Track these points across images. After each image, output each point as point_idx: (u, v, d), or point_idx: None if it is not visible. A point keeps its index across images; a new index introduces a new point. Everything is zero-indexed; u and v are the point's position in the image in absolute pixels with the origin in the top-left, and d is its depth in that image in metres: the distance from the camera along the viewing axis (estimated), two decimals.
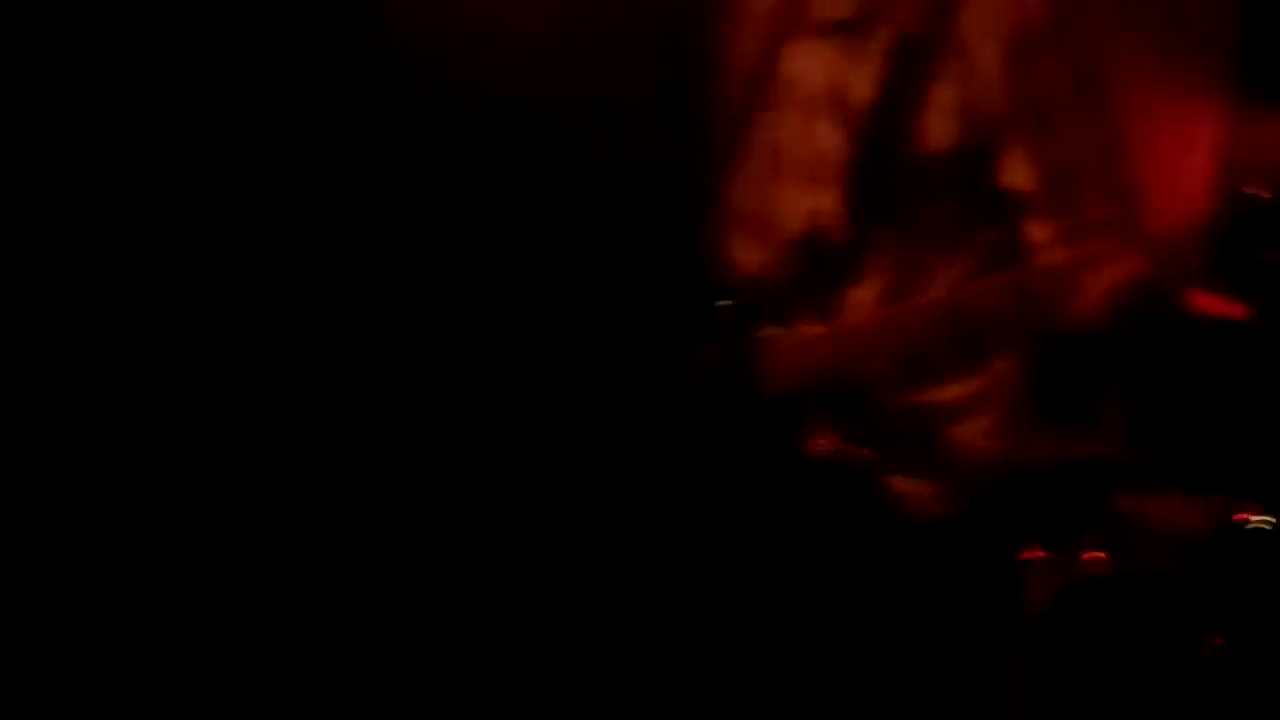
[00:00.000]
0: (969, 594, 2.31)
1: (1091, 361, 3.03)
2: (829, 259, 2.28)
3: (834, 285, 2.29)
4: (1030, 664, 3.10)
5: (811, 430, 2.24)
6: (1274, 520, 3.22)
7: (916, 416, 2.29)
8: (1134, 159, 2.31)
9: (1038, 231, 2.25)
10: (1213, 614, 3.19)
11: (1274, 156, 3.61)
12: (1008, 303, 2.12)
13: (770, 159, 2.35)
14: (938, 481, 2.29)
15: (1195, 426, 3.55)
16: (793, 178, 2.33)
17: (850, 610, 2.30)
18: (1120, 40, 2.32)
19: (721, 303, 2.36)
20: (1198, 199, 3.67)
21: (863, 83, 2.28)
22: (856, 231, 2.27)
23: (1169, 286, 1.99)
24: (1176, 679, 3.13)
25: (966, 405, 2.30)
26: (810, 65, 2.32)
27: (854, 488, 2.25)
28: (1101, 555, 3.42)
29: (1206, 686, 3.08)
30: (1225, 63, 3.86)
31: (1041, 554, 3.13)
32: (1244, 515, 3.26)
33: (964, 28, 2.23)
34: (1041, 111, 2.23)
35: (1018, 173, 2.25)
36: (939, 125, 2.24)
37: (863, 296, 2.28)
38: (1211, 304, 2.45)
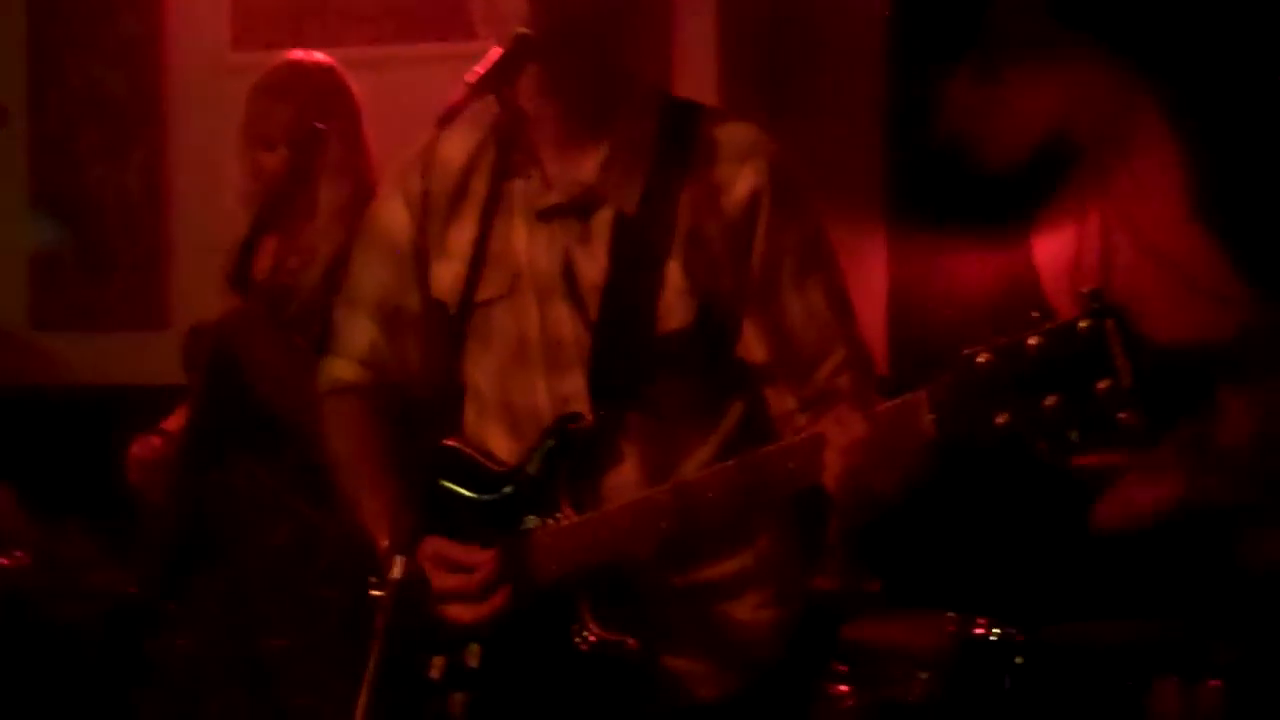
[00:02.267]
0: None
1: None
2: (582, 445, 2.22)
3: (591, 471, 2.22)
4: None
5: (579, 622, 2.16)
6: (1007, 631, 3.28)
7: (688, 597, 2.23)
8: (856, 321, 2.33)
9: (780, 402, 2.24)
10: None
11: (934, 289, 3.78)
12: (761, 477, 2.08)
13: (514, 345, 2.28)
14: (716, 660, 2.23)
15: (919, 549, 3.62)
16: (536, 363, 2.27)
17: None
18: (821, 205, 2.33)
19: (487, 496, 2.27)
20: (879, 344, 3.76)
21: (592, 265, 2.24)
22: (606, 415, 2.21)
23: (898, 450, 1.98)
24: None
25: (738, 582, 2.25)
26: (539, 250, 2.26)
27: (627, 676, 2.17)
28: (845, 688, 3.43)
29: None
30: (880, 202, 4.01)
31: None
32: (979, 630, 3.31)
33: (686, 208, 2.21)
34: (766, 284, 2.21)
35: (753, 345, 2.23)
36: (675, 303, 2.21)
37: (621, 481, 2.22)
38: None
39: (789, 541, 2.33)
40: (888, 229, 4.02)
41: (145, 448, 3.23)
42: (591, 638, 2.16)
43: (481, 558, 2.18)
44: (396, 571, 1.89)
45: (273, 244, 3.15)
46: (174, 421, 3.27)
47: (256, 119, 3.17)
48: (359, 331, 2.43)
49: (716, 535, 2.21)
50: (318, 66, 3.25)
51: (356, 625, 2.36)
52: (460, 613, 2.19)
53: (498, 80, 2.08)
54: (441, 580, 2.19)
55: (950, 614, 3.41)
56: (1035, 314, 1.87)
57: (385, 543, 2.20)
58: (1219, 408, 3.14)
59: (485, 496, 2.29)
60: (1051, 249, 3.70)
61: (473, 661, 2.24)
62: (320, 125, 3.09)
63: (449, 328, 2.11)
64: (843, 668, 3.39)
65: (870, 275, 3.96)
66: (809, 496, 2.17)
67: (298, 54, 3.29)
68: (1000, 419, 1.87)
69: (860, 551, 3.56)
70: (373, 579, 2.23)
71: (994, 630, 3.33)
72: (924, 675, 3.37)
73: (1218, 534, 3.20)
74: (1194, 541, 3.28)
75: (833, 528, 3.54)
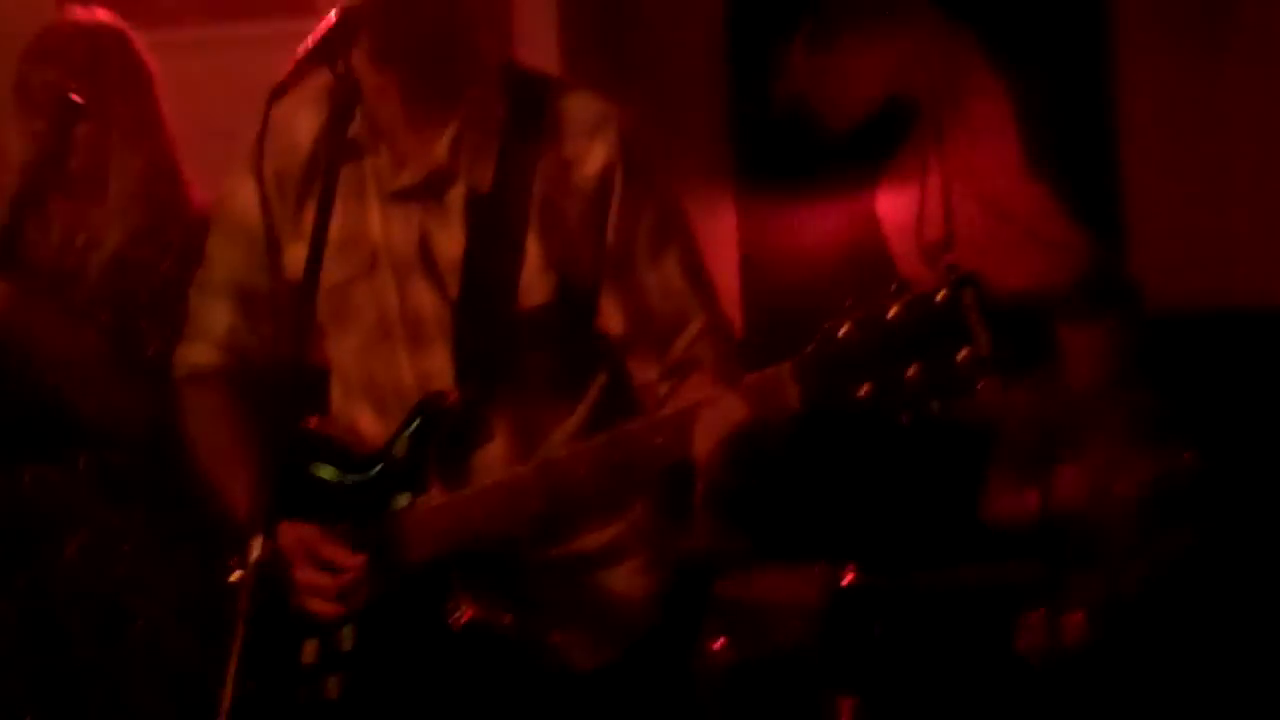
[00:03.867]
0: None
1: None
2: (448, 422, 2.17)
3: (459, 449, 2.18)
4: None
5: (454, 599, 2.12)
6: (875, 579, 3.30)
7: (562, 569, 2.20)
8: (713, 287, 2.30)
9: (642, 372, 2.22)
10: (839, 676, 3.24)
11: (784, 250, 3.81)
12: (629, 452, 2.06)
13: (375, 324, 2.22)
14: (592, 631, 2.21)
15: (787, 504, 3.63)
16: (399, 341, 2.21)
17: None
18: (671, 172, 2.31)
19: (355, 477, 2.21)
20: (733, 307, 3.77)
21: (449, 243, 2.19)
22: (471, 392, 2.17)
23: (769, 420, 1.97)
24: None
25: (611, 553, 2.23)
26: (394, 229, 2.21)
27: (503, 651, 2.14)
28: (723, 642, 3.42)
29: None
30: (726, 171, 4.01)
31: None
32: (849, 579, 3.33)
33: (540, 184, 2.17)
34: (623, 256, 2.19)
35: (612, 318, 2.21)
36: (534, 279, 2.18)
37: (490, 457, 2.19)
38: None
39: (660, 509, 2.31)
40: (736, 192, 4.02)
41: None
42: (465, 615, 2.12)
43: (350, 561, 2.13)
44: (256, 553, 1.83)
45: (59, 222, 2.82)
46: None
47: (23, 83, 2.78)
48: (216, 315, 2.36)
49: (587, 509, 2.19)
50: (96, 29, 2.83)
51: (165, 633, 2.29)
52: (322, 608, 2.14)
53: (328, 52, 2.00)
54: (306, 574, 2.13)
55: (819, 565, 3.42)
56: (894, 285, 1.87)
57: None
58: (1062, 351, 3.19)
59: (354, 477, 2.23)
60: (895, 205, 3.72)
61: (346, 644, 2.19)
62: (76, 97, 2.70)
63: (307, 309, 2.06)
64: (714, 621, 3.38)
65: (721, 239, 3.95)
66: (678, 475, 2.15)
67: (77, 12, 2.86)
68: (863, 390, 1.87)
69: (728, 510, 3.55)
70: (232, 561, 2.16)
71: (863, 578, 3.35)
72: (796, 626, 3.38)
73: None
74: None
75: (699, 492, 3.54)
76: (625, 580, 2.25)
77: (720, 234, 3.95)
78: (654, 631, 2.27)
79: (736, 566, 3.57)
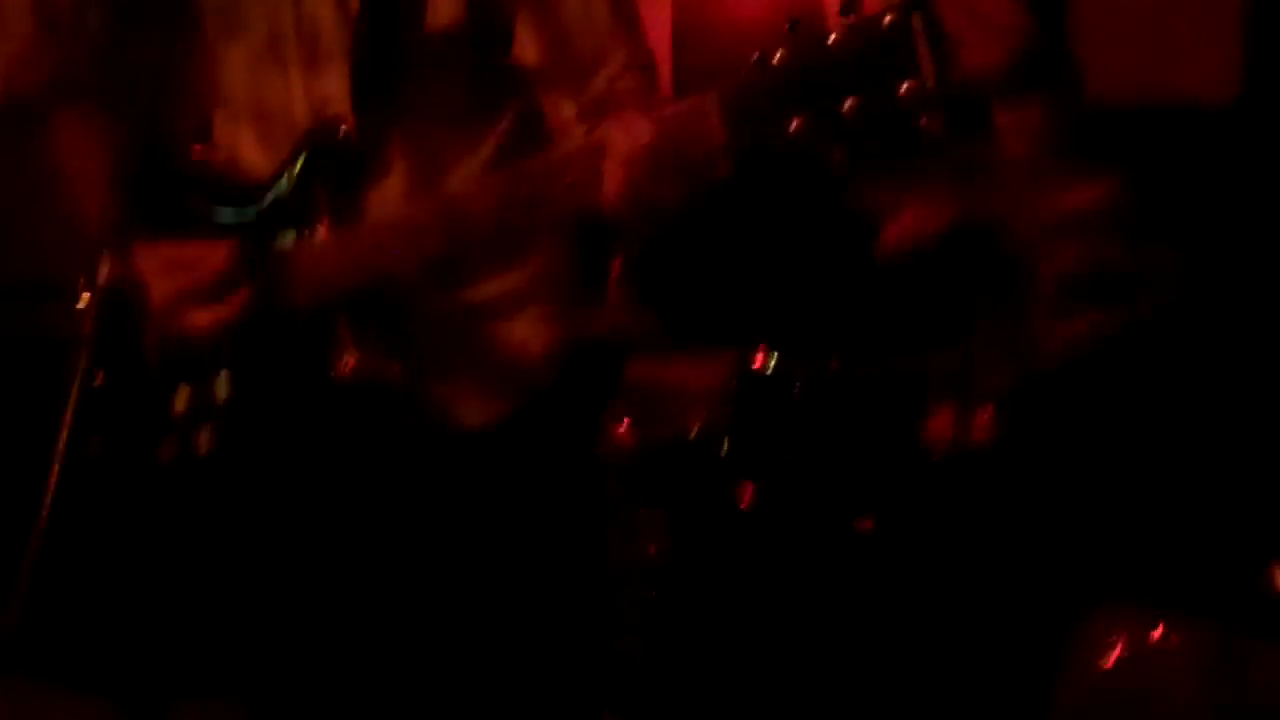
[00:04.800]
0: (546, 489, 2.07)
1: (597, 236, 2.85)
2: (342, 152, 1.95)
3: (351, 183, 1.96)
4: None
5: (339, 346, 1.92)
6: (787, 364, 3.17)
7: (456, 318, 2.01)
8: (639, 26, 2.10)
9: (557, 110, 2.01)
10: (745, 462, 3.13)
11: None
12: (533, 191, 1.84)
13: (265, 39, 1.98)
14: (486, 384, 2.03)
15: (692, 286, 3.50)
16: (291, 60, 1.98)
17: (414, 531, 2.01)
18: None
19: (235, 211, 1.99)
20: (665, 59, 3.54)
21: None
22: (369, 121, 1.95)
23: (690, 157, 1.76)
24: (724, 530, 3.05)
25: (510, 302, 2.04)
26: None
27: (389, 404, 1.95)
28: (628, 424, 3.31)
29: (753, 535, 3.00)
30: None
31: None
32: (759, 364, 3.20)
33: None
34: None
35: (529, 47, 1.99)
36: (445, 2, 1.94)
37: (384, 193, 1.97)
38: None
39: (566, 262, 2.12)
40: None
41: None
42: (350, 364, 1.92)
43: (214, 252, 1.91)
44: (104, 273, 1.60)
45: None
46: None
47: None
48: None
49: (488, 253, 1.98)
50: None
51: None
52: (198, 318, 1.92)
53: None
54: (171, 281, 1.91)
55: (731, 349, 3.28)
56: (841, 4, 1.66)
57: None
58: (994, 128, 3.03)
59: (234, 212, 2.01)
60: None
61: (221, 391, 1.99)
62: None
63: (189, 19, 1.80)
64: (621, 404, 3.24)
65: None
66: (588, 221, 1.95)
67: None
68: (795, 123, 1.66)
69: (641, 289, 3.40)
70: (80, 281, 1.92)
71: (774, 364, 3.21)
72: (703, 411, 3.26)
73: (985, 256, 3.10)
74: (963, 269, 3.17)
75: (615, 264, 3.38)
76: (523, 331, 2.06)
77: None
78: (551, 392, 2.09)
79: (648, 349, 3.44)
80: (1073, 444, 2.92)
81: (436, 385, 2.01)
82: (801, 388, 3.11)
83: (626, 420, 3.28)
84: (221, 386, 1.98)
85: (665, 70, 3.41)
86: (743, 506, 3.05)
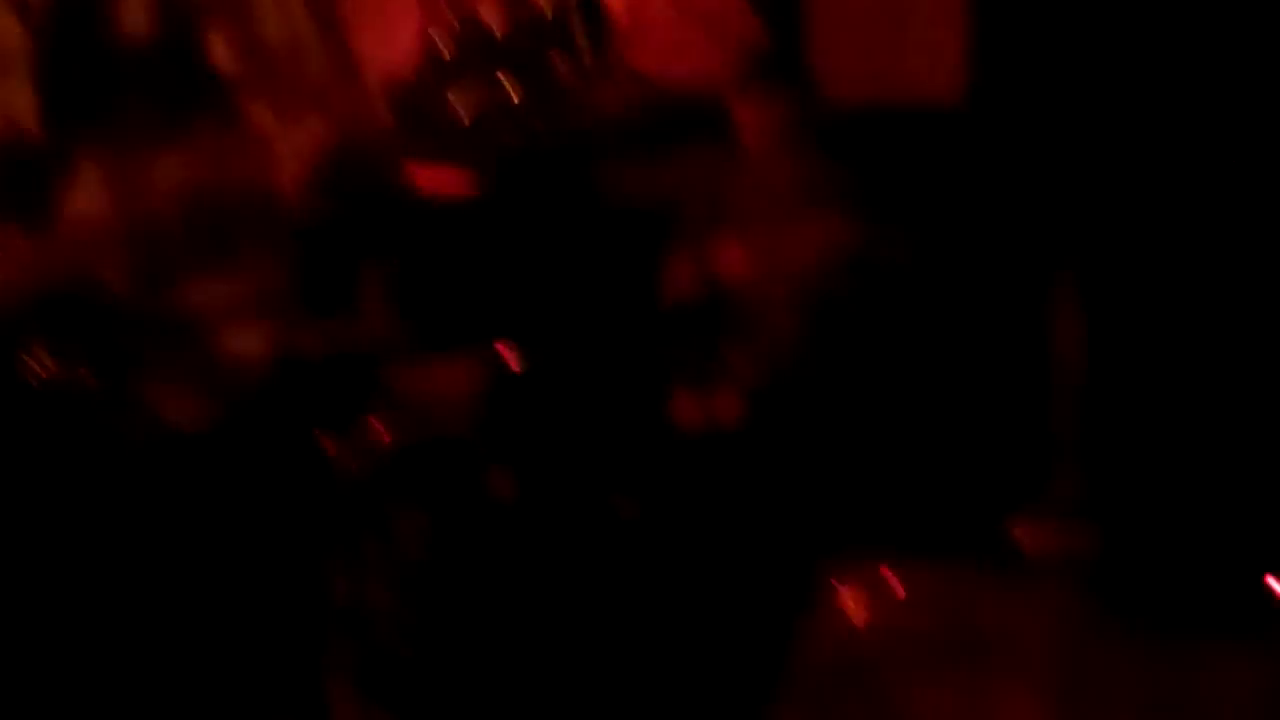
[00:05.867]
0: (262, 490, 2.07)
1: (344, 246, 2.86)
2: (33, 162, 1.93)
3: (43, 190, 1.93)
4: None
5: (32, 353, 1.89)
6: (534, 363, 3.20)
7: (167, 324, 1.99)
8: (340, 30, 2.11)
9: (253, 112, 2.01)
10: (500, 460, 3.14)
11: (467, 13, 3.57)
12: (234, 191, 1.85)
13: None
14: (197, 389, 2.01)
15: (447, 293, 3.50)
16: None
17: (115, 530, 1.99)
18: None
19: None
20: (406, 67, 3.55)
21: None
22: (61, 130, 1.93)
23: (378, 158, 1.80)
24: (481, 522, 3.05)
25: (224, 309, 2.02)
26: None
27: (90, 410, 1.93)
28: (383, 429, 3.29)
29: (507, 524, 3.02)
30: None
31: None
32: (510, 365, 3.22)
33: None
34: None
35: (224, 54, 1.98)
36: (134, 11, 1.93)
37: (79, 200, 1.95)
38: (433, 177, 2.34)
39: (284, 270, 2.11)
40: None
41: None
42: (45, 371, 1.89)
43: None
44: None
45: None
46: None
47: None
48: None
49: (194, 258, 1.97)
50: None
51: None
52: None
53: None
54: None
55: (484, 351, 3.29)
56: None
57: None
58: (734, 128, 3.11)
59: None
60: None
61: None
62: None
63: None
64: (377, 409, 3.23)
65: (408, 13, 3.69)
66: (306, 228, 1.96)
67: None
68: (465, 101, 1.71)
69: (397, 297, 3.39)
70: None
71: (524, 365, 3.23)
72: (460, 413, 3.26)
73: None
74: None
75: (364, 271, 3.37)
76: (237, 337, 2.05)
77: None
78: (266, 397, 2.08)
79: (402, 354, 3.43)
80: (813, 414, 3.00)
81: (143, 388, 1.99)
82: (553, 381, 3.14)
83: (383, 425, 3.26)
84: None
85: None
86: (501, 500, 3.07)
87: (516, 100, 1.69)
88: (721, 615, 2.85)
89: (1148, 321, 3.14)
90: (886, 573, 2.75)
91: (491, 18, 1.71)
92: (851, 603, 2.76)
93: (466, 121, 1.71)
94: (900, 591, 2.70)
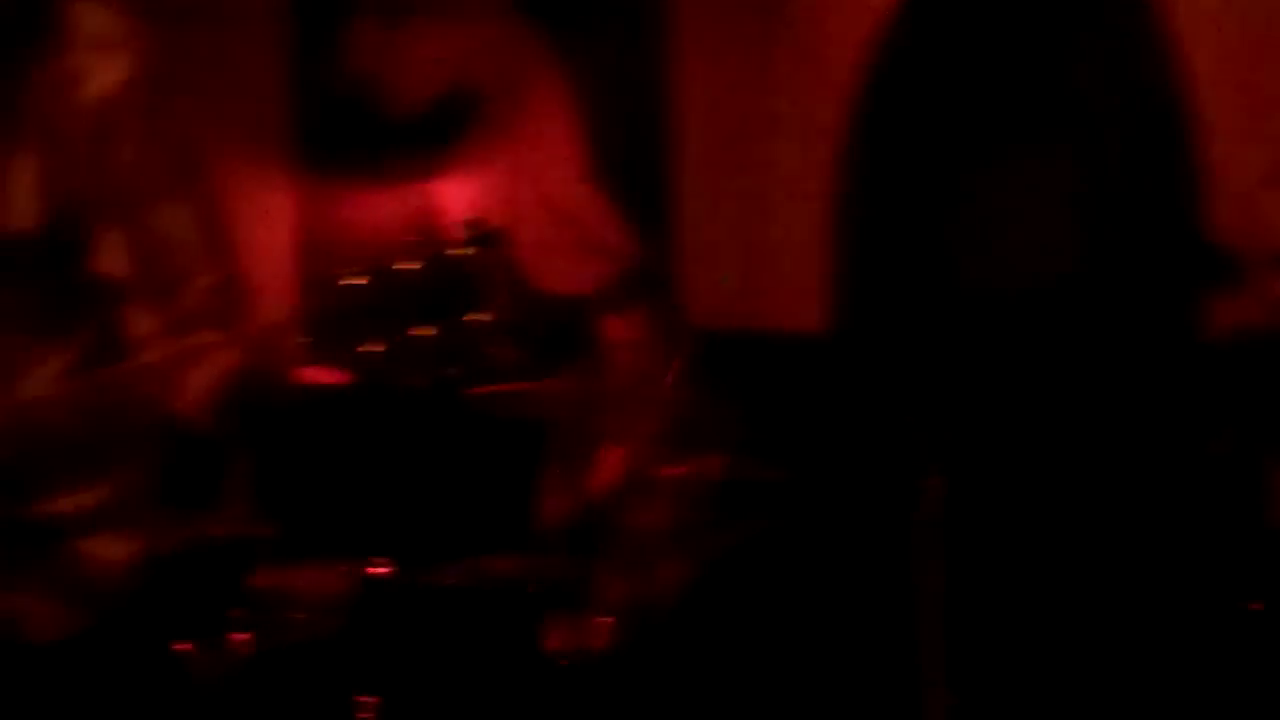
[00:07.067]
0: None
1: (207, 448, 2.79)
2: None
3: None
4: None
5: None
6: (400, 572, 3.15)
7: (31, 530, 1.90)
8: (230, 245, 2.08)
9: (139, 323, 1.94)
10: (365, 670, 3.06)
11: (347, 234, 3.61)
12: (111, 402, 1.78)
13: None
14: (61, 599, 1.91)
15: (317, 496, 3.46)
16: None
17: None
18: (203, 123, 2.07)
19: None
20: (285, 282, 3.53)
21: None
22: None
23: (269, 373, 1.77)
24: None
25: (88, 515, 1.93)
26: None
27: None
28: (248, 635, 3.18)
29: None
30: (286, 143, 3.77)
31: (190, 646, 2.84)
32: (374, 571, 3.17)
33: (42, 103, 1.88)
34: (131, 195, 1.92)
35: (111, 259, 1.93)
36: (20, 205, 1.87)
37: None
38: (317, 377, 2.31)
39: (149, 475, 2.03)
40: (296, 170, 3.76)
41: None
42: None
43: None
44: None
45: None
46: None
47: None
48: None
49: (63, 465, 1.89)
50: None
51: None
52: None
53: None
54: None
55: (348, 559, 3.24)
56: (417, 240, 1.72)
57: None
58: (604, 344, 3.13)
59: None
60: (455, 195, 3.57)
61: None
62: None
63: None
64: (241, 613, 3.13)
65: (279, 216, 3.68)
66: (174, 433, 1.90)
67: None
68: (371, 346, 1.69)
69: (256, 498, 3.32)
70: None
71: (387, 571, 3.18)
72: (321, 618, 3.18)
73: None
74: None
75: (234, 470, 3.29)
76: (101, 546, 1.96)
77: (278, 212, 3.68)
78: (133, 606, 1.98)
79: (268, 558, 3.35)
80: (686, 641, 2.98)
81: (8, 598, 1.88)
82: (420, 597, 3.09)
83: (247, 629, 3.16)
84: None
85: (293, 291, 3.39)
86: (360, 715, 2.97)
87: (425, 344, 1.68)
88: None
89: (1008, 538, 3.20)
90: None
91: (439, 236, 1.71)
92: None
93: (370, 353, 1.69)
94: None
